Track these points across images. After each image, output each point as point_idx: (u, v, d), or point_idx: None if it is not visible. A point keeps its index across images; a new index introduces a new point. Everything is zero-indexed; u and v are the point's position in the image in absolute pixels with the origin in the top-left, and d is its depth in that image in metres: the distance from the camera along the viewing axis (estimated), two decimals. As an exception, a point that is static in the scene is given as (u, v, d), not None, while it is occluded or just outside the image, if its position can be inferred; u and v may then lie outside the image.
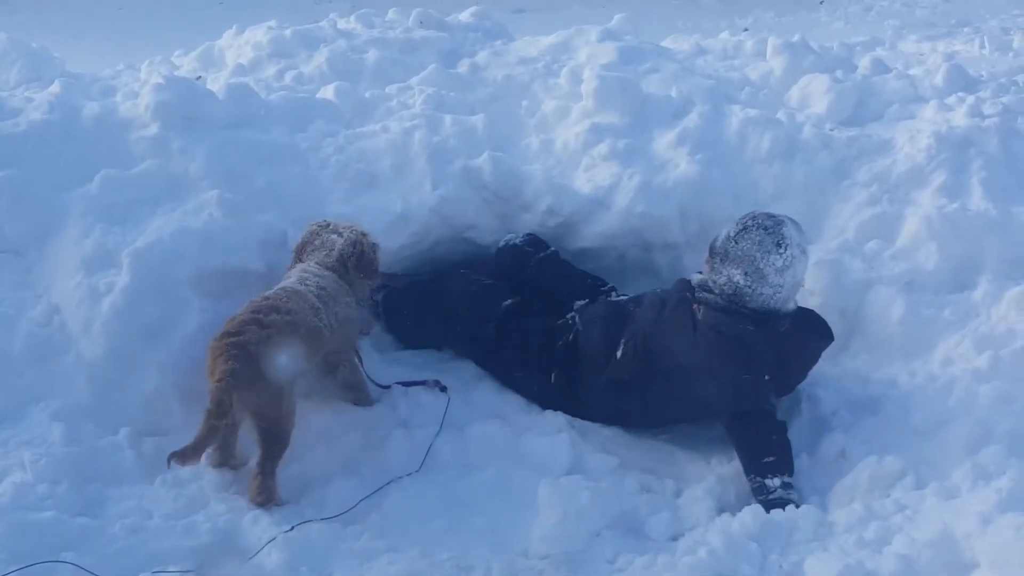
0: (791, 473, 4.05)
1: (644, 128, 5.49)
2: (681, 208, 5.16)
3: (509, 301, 4.82)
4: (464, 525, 3.88)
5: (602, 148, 5.34)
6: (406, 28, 6.81)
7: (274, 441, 3.93)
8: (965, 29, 12.32)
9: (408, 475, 4.09)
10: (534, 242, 5.06)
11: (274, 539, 3.69)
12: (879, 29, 12.55)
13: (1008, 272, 4.66)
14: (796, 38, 6.60)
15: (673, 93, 5.75)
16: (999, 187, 5.02)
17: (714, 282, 4.28)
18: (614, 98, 5.55)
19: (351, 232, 4.48)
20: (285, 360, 3.91)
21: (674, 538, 3.86)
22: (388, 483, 4.01)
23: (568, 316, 4.75)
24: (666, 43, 7.28)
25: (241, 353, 3.82)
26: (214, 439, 3.85)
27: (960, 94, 5.91)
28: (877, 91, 6.01)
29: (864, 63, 6.62)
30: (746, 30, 11.75)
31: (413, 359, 4.92)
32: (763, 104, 5.90)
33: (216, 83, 5.83)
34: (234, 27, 7.05)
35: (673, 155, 5.32)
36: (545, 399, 4.62)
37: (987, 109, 5.54)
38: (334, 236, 4.46)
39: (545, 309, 4.81)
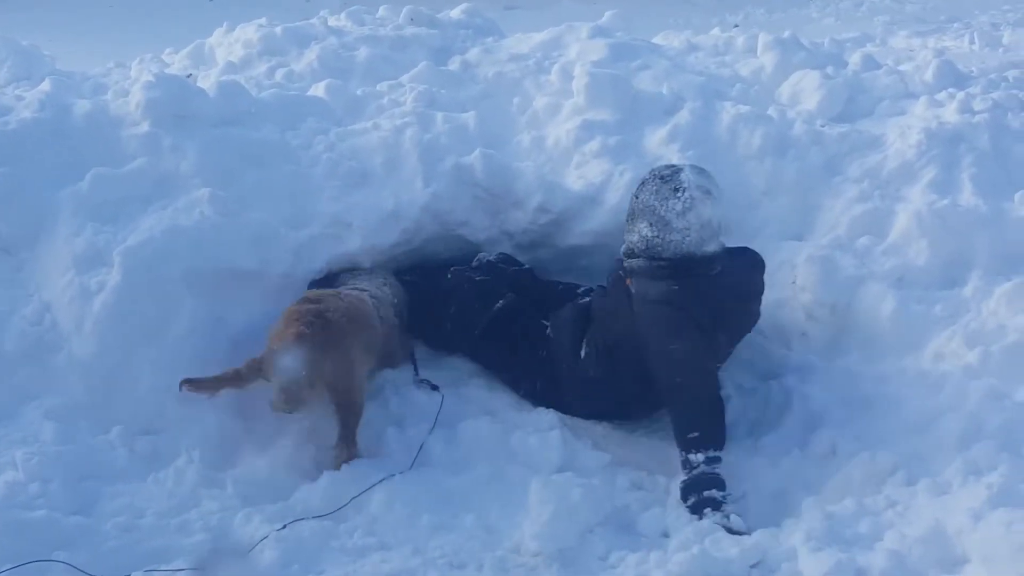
0: (719, 446, 3.98)
1: (635, 125, 5.48)
2: (673, 205, 5.15)
3: (501, 302, 4.82)
4: (456, 522, 3.87)
5: (593, 145, 5.33)
6: (397, 25, 6.79)
7: (348, 410, 4.15)
8: (955, 25, 12.35)
9: (400, 473, 4.08)
10: (506, 259, 5.09)
11: (266, 537, 3.69)
12: (869, 25, 12.57)
13: (999, 268, 4.65)
14: (787, 34, 6.59)
15: (664, 90, 5.74)
16: (989, 183, 5.02)
17: (631, 243, 4.34)
18: (605, 95, 5.54)
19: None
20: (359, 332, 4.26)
21: (666, 535, 3.86)
22: (380, 481, 4.01)
23: (546, 325, 4.75)
24: (657, 40, 7.26)
25: (319, 319, 4.12)
26: (237, 385, 4.18)
27: (950, 90, 5.89)
28: (867, 87, 6.00)
29: (854, 59, 6.61)
30: (737, 26, 11.76)
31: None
32: (754, 100, 5.89)
33: (207, 81, 5.80)
34: (224, 25, 7.03)
35: (664, 152, 5.30)
36: (534, 400, 4.64)
37: (977, 105, 5.53)
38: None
39: (536, 308, 4.82)
